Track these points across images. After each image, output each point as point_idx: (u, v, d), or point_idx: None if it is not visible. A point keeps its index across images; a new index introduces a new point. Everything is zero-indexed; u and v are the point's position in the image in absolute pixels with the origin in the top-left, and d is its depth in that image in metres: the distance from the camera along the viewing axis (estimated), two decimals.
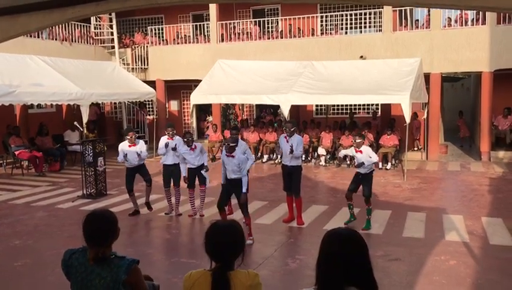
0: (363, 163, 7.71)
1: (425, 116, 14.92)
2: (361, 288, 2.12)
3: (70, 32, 17.42)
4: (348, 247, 2.16)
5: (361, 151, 7.81)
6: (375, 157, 7.86)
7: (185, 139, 8.45)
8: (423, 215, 8.71)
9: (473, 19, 15.17)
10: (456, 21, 15.28)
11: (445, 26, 15.29)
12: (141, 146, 8.80)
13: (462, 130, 17.59)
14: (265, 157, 15.58)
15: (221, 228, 2.68)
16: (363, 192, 7.87)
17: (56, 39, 16.88)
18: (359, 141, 7.89)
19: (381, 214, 8.78)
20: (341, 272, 2.11)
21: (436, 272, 6.03)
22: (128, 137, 8.72)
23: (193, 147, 8.50)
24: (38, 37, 16.28)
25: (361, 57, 15.30)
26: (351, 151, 8.14)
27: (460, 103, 21.37)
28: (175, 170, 8.75)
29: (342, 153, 8.68)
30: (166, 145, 8.64)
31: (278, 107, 15.42)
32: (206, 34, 18.52)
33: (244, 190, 7.10)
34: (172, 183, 8.88)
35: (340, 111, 17.92)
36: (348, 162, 13.90)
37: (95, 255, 2.80)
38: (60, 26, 16.82)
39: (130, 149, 8.65)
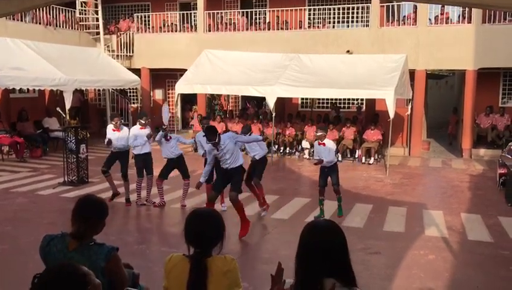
0: (321, 160, 7.85)
1: (408, 112, 15.05)
2: (340, 279, 2.14)
3: (54, 17, 17.09)
4: (327, 238, 2.18)
5: (324, 144, 7.93)
6: (333, 157, 7.97)
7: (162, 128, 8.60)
8: (404, 210, 8.81)
9: (459, 15, 15.31)
10: (442, 19, 15.40)
11: (431, 24, 15.40)
12: (124, 132, 8.76)
13: (451, 126, 17.83)
14: None
15: (201, 215, 2.70)
16: (331, 182, 8.01)
17: (40, 23, 16.54)
18: (320, 134, 8.02)
19: (363, 208, 8.87)
20: (320, 264, 2.12)
21: (415, 266, 6.12)
22: (113, 122, 8.74)
23: (168, 137, 8.55)
24: (21, 20, 15.94)
25: (348, 51, 15.33)
26: (315, 146, 8.29)
27: (444, 100, 21.59)
28: (147, 158, 8.75)
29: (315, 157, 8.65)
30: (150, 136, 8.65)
31: (262, 99, 15.39)
32: (193, 23, 18.36)
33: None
34: (144, 172, 8.82)
35: (326, 105, 17.95)
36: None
37: (76, 231, 2.78)
38: (44, 10, 16.49)
39: (114, 134, 8.66)
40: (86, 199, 2.96)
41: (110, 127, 8.78)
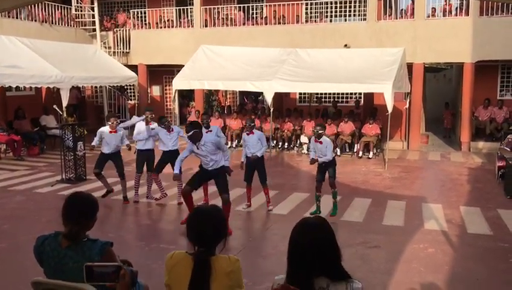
0: (316, 159, 7.81)
1: (407, 105, 15.02)
2: (331, 277, 2.12)
3: (50, 14, 17.00)
4: (317, 236, 2.17)
5: (321, 142, 7.75)
6: (330, 155, 7.76)
7: (162, 126, 8.46)
8: (403, 204, 8.80)
9: (457, 8, 15.27)
10: (440, 11, 15.36)
11: (428, 16, 15.35)
12: (123, 134, 8.71)
13: (446, 120, 17.83)
14: None
15: (204, 212, 2.68)
16: (328, 175, 7.90)
17: (35, 20, 16.46)
18: (321, 131, 7.78)
19: (362, 202, 8.85)
20: (309, 262, 2.11)
21: (415, 260, 6.11)
22: (110, 123, 8.58)
23: (171, 130, 8.49)
24: (17, 17, 15.85)
25: (346, 45, 15.27)
26: (311, 143, 8.10)
27: (442, 93, 21.56)
28: (150, 155, 8.70)
29: (312, 154, 8.21)
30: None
31: (260, 94, 15.33)
32: (189, 18, 18.28)
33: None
34: (145, 169, 8.77)
35: (323, 99, 17.88)
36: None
37: (68, 232, 2.76)
38: (40, 6, 16.41)
39: (111, 135, 8.53)
40: (74, 197, 2.92)
41: (106, 129, 8.59)
